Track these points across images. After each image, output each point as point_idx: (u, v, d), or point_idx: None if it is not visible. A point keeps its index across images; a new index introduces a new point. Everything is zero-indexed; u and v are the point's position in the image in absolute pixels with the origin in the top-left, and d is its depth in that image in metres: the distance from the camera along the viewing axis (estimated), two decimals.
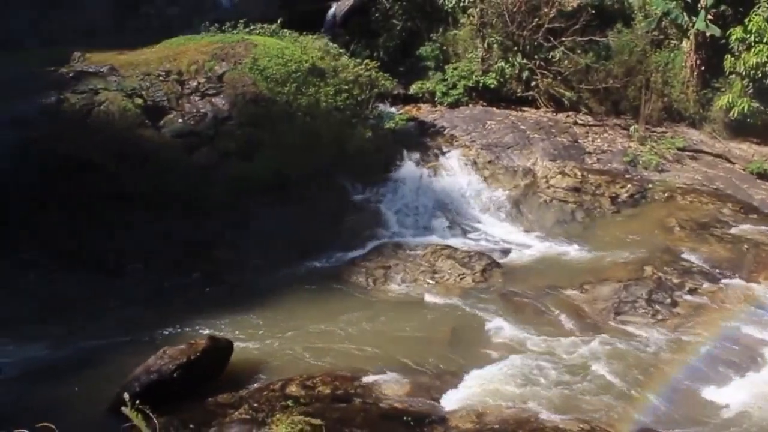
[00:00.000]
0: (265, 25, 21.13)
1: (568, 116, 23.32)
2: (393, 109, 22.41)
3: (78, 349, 12.83)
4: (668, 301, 14.50)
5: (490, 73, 23.40)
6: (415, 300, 15.12)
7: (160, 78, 18.09)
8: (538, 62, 23.42)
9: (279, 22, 21.24)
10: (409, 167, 19.81)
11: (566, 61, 23.25)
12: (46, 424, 5.24)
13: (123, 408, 5.76)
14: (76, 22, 21.82)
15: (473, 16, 23.83)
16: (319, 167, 18.25)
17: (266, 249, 16.58)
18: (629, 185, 19.90)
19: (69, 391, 11.33)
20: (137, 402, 5.75)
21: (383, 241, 17.55)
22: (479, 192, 19.70)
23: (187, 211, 16.58)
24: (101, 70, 18.10)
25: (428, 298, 15.15)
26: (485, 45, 23.71)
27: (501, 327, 13.61)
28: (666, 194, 19.64)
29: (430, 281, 15.75)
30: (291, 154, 17.89)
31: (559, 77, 23.46)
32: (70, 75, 17.90)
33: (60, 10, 21.94)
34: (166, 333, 13.25)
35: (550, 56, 23.36)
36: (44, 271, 15.22)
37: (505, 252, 17.41)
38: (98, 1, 23.17)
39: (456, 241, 17.80)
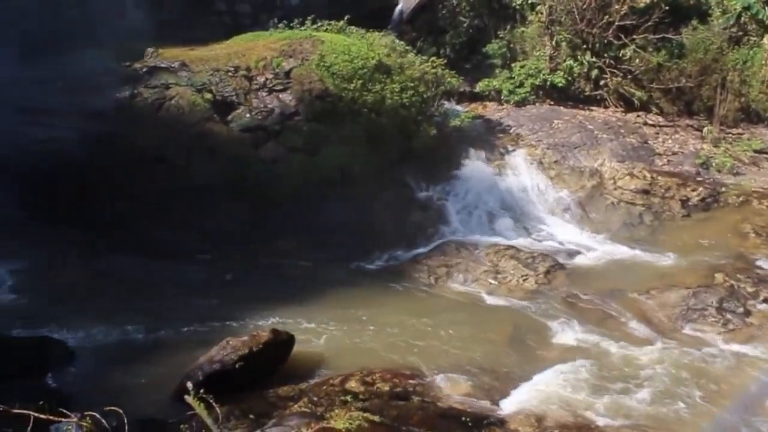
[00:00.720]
0: (333, 22, 21.28)
1: (638, 116, 22.76)
2: (459, 107, 22.30)
3: (147, 335, 13.19)
4: (741, 310, 13.99)
5: (558, 72, 23.03)
6: (477, 300, 15.03)
7: (229, 74, 18.43)
8: (607, 60, 22.92)
9: (346, 19, 21.36)
10: (473, 166, 19.68)
11: (637, 60, 22.68)
12: (113, 408, 5.42)
13: (186, 396, 5.91)
14: (151, 19, 22.47)
15: (541, 14, 23.48)
16: (384, 164, 18.33)
17: (330, 243, 16.76)
18: (701, 188, 19.30)
19: (136, 376, 11.68)
20: (200, 391, 5.89)
21: (446, 240, 17.51)
22: (544, 192, 19.43)
23: (254, 204, 16.90)
24: (173, 65, 18.57)
25: (490, 298, 15.04)
26: (553, 43, 23.35)
27: (563, 330, 13.41)
28: (740, 198, 18.96)
29: (493, 281, 15.62)
30: (356, 150, 18.02)
31: (629, 76, 22.91)
32: (144, 70, 18.45)
33: (136, 7, 22.63)
34: (230, 323, 13.49)
35: (620, 54, 22.82)
36: (118, 260, 15.74)
37: (570, 254, 17.13)
38: None
39: (520, 242, 17.62)
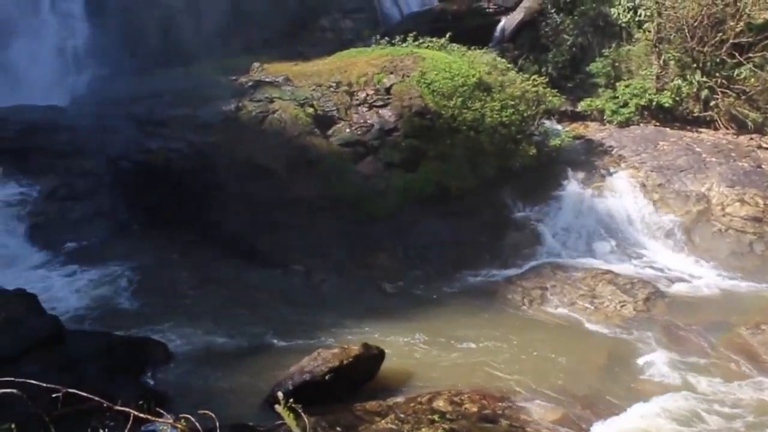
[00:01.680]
0: (434, 39, 21.38)
1: (751, 139, 21.63)
2: (559, 126, 21.88)
3: (241, 341, 13.59)
4: None
5: (665, 92, 22.23)
6: (572, 324, 14.63)
7: (331, 89, 18.82)
8: (719, 80, 21.94)
9: (448, 36, 21.41)
10: (573, 187, 19.25)
11: (752, 79, 21.60)
12: (206, 411, 5.56)
13: (276, 406, 6.00)
14: (258, 34, 23.30)
15: (649, 31, 22.78)
16: (481, 183, 18.23)
17: (425, 259, 16.79)
18: None
19: (229, 381, 12.03)
20: (290, 400, 5.98)
21: (542, 261, 17.19)
22: (646, 216, 18.75)
23: (351, 218, 17.13)
24: (277, 80, 19.14)
25: (585, 323, 14.62)
26: (661, 62, 22.59)
27: (661, 361, 12.83)
28: None
29: (589, 306, 15.18)
30: (454, 167, 18.01)
31: (743, 96, 21.84)
32: (249, 84, 19.10)
33: (244, 22, 23.51)
34: (322, 335, 13.70)
35: (734, 74, 21.80)
36: (218, 266, 16.30)
37: (672, 281, 16.44)
38: (278, 14, 24.60)
39: (618, 267, 17.04)
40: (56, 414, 4.63)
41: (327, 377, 11.12)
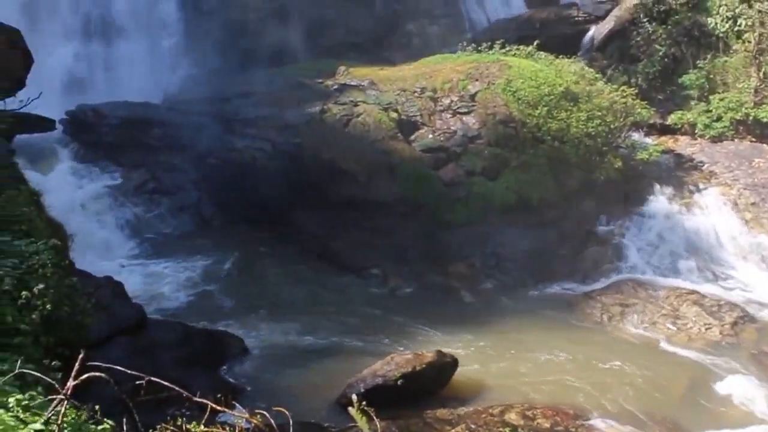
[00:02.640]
0: (521, 47, 21.10)
1: None
2: (647, 139, 21.22)
3: (316, 341, 13.80)
4: None
5: (764, 106, 21.24)
6: (652, 345, 14.16)
7: (415, 94, 18.84)
8: None
9: (535, 44, 21.11)
10: (659, 202, 18.63)
11: None
12: (280, 408, 5.64)
13: (350, 408, 6.04)
14: (345, 38, 23.58)
15: (749, 42, 21.83)
16: (564, 194, 17.88)
17: (502, 269, 16.62)
18: None
19: (303, 379, 12.21)
20: (362, 403, 5.99)
21: (623, 277, 16.72)
22: (738, 236, 17.96)
23: (430, 224, 17.09)
24: (362, 83, 19.29)
25: (666, 345, 14.13)
26: (761, 74, 21.60)
27: (747, 390, 12.27)
28: None
29: (671, 327, 14.65)
30: (536, 177, 17.74)
31: None
32: (334, 87, 19.33)
33: (331, 27, 23.85)
34: (396, 339, 13.74)
35: None
36: (297, 265, 16.59)
37: (763, 306, 15.67)
38: (365, 18, 24.83)
39: (704, 287, 16.40)
40: (138, 400, 4.80)
41: (399, 382, 11.14)
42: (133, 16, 24.02)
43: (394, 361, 11.61)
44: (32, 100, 14.04)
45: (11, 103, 13.46)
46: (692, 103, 22.37)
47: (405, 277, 16.40)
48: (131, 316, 13.39)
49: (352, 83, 19.42)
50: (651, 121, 21.70)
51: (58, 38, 23.09)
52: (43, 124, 17.72)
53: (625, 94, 19.91)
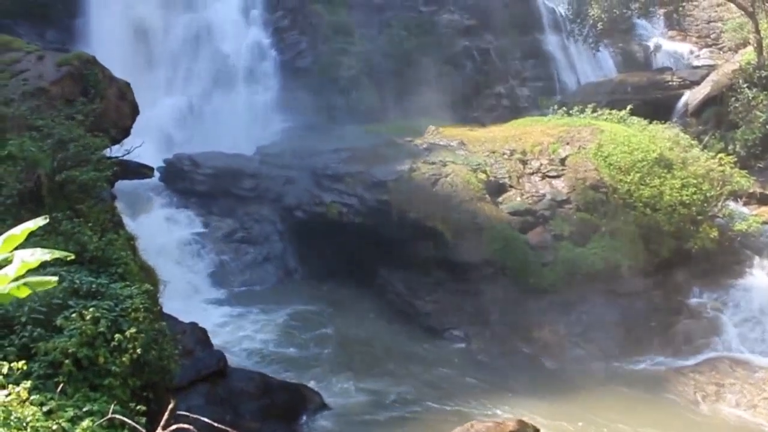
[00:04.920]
0: (613, 111, 20.81)
1: None
2: (746, 210, 20.33)
3: (393, 402, 13.59)
4: None
5: None
6: (752, 429, 13.27)
7: (504, 156, 18.75)
8: None
9: (628, 108, 20.77)
10: (759, 276, 17.72)
11: None
12: None
13: None
14: (435, 97, 23.86)
15: None
16: (655, 263, 17.25)
17: (588, 338, 16.03)
18: None
19: None
20: None
21: (719, 354, 15.84)
22: None
23: (515, 287, 16.76)
24: (451, 143, 19.36)
25: None
26: None
27: None
28: None
29: None
30: (626, 244, 17.19)
31: None
32: (424, 146, 19.48)
33: (421, 86, 24.20)
34: (476, 405, 13.38)
35: None
36: (379, 323, 16.53)
37: None
38: (455, 79, 25.13)
39: None
40: None
41: None
42: (232, 72, 25.10)
43: (474, 429, 11.22)
44: (135, 149, 14.75)
45: (116, 151, 14.15)
46: None
47: (487, 340, 16.05)
48: (213, 364, 13.53)
49: (442, 143, 19.52)
50: (750, 191, 20.81)
51: (161, 91, 24.30)
52: (143, 171, 18.56)
53: (722, 162, 19.23)
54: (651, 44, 28.46)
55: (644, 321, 16.59)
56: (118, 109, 15.02)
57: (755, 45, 22.95)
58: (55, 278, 2.71)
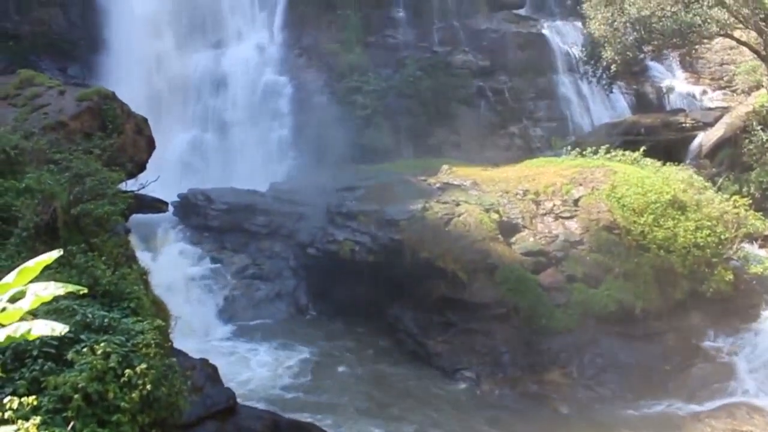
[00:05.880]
0: (626, 153, 20.81)
1: None
2: (762, 252, 20.14)
3: None
4: None
5: None
6: None
7: (518, 196, 18.74)
8: None
9: (642, 150, 20.77)
10: None
11: None
12: None
13: None
14: (448, 136, 24.00)
15: None
16: (669, 305, 17.05)
17: (601, 381, 15.80)
18: None
19: None
20: None
21: (735, 400, 15.54)
22: None
23: (527, 328, 16.61)
24: (464, 183, 19.40)
25: None
26: None
27: None
28: None
29: None
30: (639, 287, 17.04)
31: None
32: (437, 186, 19.52)
33: (435, 125, 24.38)
34: None
35: None
36: (389, 362, 16.39)
37: None
38: (469, 119, 25.29)
39: None
40: None
41: None
42: (248, 109, 25.42)
43: None
44: (150, 183, 14.89)
45: (131, 185, 14.30)
46: None
47: (499, 381, 15.85)
48: (222, 401, 13.38)
49: (455, 182, 19.56)
50: (766, 233, 20.66)
51: (178, 126, 24.63)
52: (158, 205, 18.71)
53: (737, 205, 19.11)
54: (664, 86, 28.60)
55: (658, 364, 16.34)
56: (135, 144, 15.23)
57: None
58: (65, 328, 2.73)
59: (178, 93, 25.42)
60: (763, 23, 21.71)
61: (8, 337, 2.55)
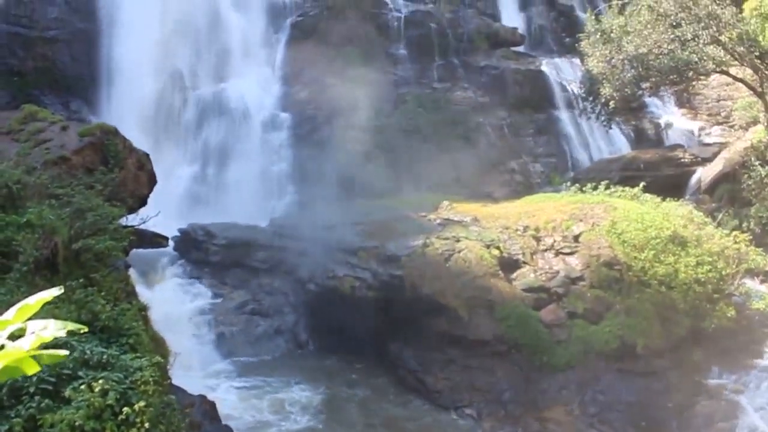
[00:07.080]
0: (626, 189, 20.87)
1: None
2: (763, 288, 20.09)
3: None
4: None
5: None
6: None
7: (518, 232, 18.73)
8: None
9: (641, 185, 20.84)
10: None
11: None
12: None
13: None
14: (448, 172, 24.08)
15: None
16: (671, 342, 16.95)
17: (603, 419, 15.62)
18: None
19: None
20: None
21: None
22: None
23: (528, 365, 16.49)
24: (465, 219, 19.41)
25: None
26: None
27: None
28: None
29: None
30: (641, 323, 16.93)
31: None
32: (437, 221, 19.54)
33: (435, 160, 24.46)
34: None
35: None
36: (389, 400, 16.22)
37: None
38: (468, 154, 25.38)
39: None
40: None
41: None
42: (248, 143, 25.55)
43: None
44: (151, 218, 14.90)
45: (132, 219, 14.30)
46: None
47: (500, 418, 15.68)
48: None
49: (455, 218, 19.57)
50: (767, 269, 20.62)
51: (178, 161, 24.74)
52: (158, 240, 18.71)
53: (737, 240, 19.11)
54: (662, 122, 28.80)
55: (661, 402, 16.18)
56: (136, 179, 15.28)
57: (765, 124, 23.18)
58: (65, 352, 2.72)
59: (179, 127, 25.60)
60: (759, 60, 21.95)
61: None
